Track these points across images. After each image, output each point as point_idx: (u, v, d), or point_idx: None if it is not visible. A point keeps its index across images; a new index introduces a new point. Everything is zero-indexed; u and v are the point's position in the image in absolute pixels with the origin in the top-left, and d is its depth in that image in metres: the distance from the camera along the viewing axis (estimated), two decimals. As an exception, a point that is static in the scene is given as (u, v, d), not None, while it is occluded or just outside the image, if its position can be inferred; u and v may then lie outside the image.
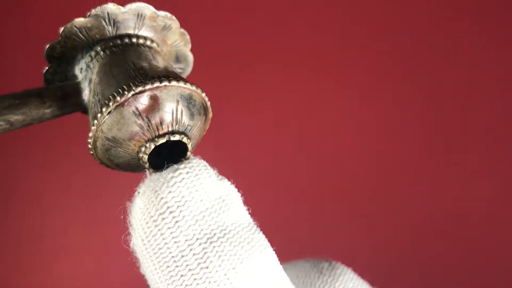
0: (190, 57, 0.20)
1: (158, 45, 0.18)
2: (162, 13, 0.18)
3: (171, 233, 0.14)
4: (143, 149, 0.16)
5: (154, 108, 0.16)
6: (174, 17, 0.18)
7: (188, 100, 0.16)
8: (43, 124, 0.40)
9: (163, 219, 0.14)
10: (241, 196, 0.15)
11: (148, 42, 0.18)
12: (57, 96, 0.17)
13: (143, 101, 0.16)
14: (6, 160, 0.39)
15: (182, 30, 0.19)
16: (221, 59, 0.41)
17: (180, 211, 0.14)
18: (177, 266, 0.14)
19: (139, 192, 0.15)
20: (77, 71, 0.18)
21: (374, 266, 0.39)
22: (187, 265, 0.14)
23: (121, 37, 0.17)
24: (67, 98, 0.17)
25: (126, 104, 0.16)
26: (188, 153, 0.16)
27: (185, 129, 0.16)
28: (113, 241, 0.39)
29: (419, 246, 0.40)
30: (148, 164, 0.16)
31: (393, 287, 0.38)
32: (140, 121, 0.16)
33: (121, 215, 0.16)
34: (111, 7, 0.17)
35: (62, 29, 0.17)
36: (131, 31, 0.17)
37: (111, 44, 0.17)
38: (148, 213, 0.14)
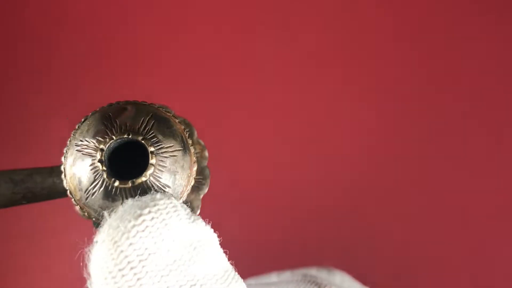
0: (207, 171, 0.19)
1: None
2: (180, 118, 0.18)
3: None
4: (101, 145, 0.15)
5: (125, 114, 0.16)
6: (191, 124, 0.18)
7: (163, 120, 0.16)
8: (42, 124, 0.40)
9: (123, 276, 0.12)
10: (218, 238, 0.14)
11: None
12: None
13: (117, 109, 0.16)
14: (5, 159, 0.39)
15: (200, 140, 0.19)
16: (221, 59, 0.40)
17: (143, 266, 0.12)
18: None
19: (97, 241, 0.13)
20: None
21: (374, 268, 0.39)
22: None
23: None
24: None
25: (101, 111, 0.16)
26: (150, 165, 0.15)
27: (151, 138, 0.15)
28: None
29: (418, 245, 0.40)
30: (103, 164, 0.15)
31: None
32: (107, 122, 0.15)
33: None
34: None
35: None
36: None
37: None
38: (107, 268, 0.12)
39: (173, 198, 0.14)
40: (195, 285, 0.13)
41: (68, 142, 0.16)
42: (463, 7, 0.41)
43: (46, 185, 0.17)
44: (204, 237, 0.13)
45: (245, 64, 0.40)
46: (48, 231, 0.39)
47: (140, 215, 0.12)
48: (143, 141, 0.15)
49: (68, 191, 0.16)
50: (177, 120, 0.16)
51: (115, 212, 0.13)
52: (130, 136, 0.15)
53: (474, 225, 0.40)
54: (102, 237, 0.13)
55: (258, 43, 0.41)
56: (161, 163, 0.15)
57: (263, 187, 0.39)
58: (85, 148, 0.15)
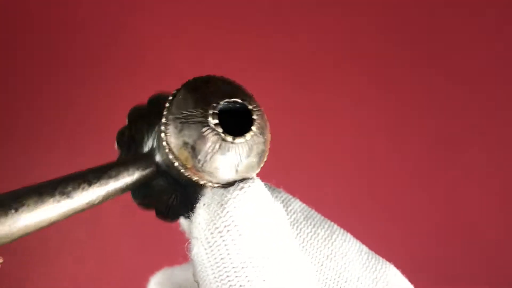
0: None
1: None
2: None
3: (235, 244, 0.14)
4: (211, 111, 0.16)
5: (213, 83, 0.17)
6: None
7: (240, 86, 0.17)
8: (45, 123, 0.40)
9: (228, 231, 0.14)
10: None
11: None
12: (131, 159, 0.18)
13: (200, 81, 0.17)
14: (6, 158, 0.39)
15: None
16: (220, 59, 0.41)
17: (244, 225, 0.14)
18: (237, 277, 0.14)
19: (204, 204, 0.15)
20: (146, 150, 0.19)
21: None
22: (246, 276, 0.14)
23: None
24: (140, 159, 0.18)
25: (188, 84, 0.17)
26: (254, 122, 0.16)
27: (245, 98, 0.16)
28: (113, 241, 0.39)
29: (417, 246, 0.40)
30: (220, 127, 0.16)
31: None
32: (204, 89, 0.16)
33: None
34: (164, 95, 0.18)
35: (127, 114, 0.19)
36: None
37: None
38: (214, 224, 0.15)
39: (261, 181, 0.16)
40: (282, 250, 0.15)
41: (164, 118, 0.16)
42: (463, 7, 0.41)
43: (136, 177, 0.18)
44: (283, 215, 0.16)
45: (245, 64, 0.41)
46: (48, 231, 0.39)
47: (243, 187, 0.15)
48: (244, 101, 0.16)
49: (177, 164, 0.16)
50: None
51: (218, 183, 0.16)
52: (231, 98, 0.16)
53: (472, 225, 0.40)
54: (208, 201, 0.15)
55: (258, 43, 0.41)
56: (257, 120, 0.16)
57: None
58: (192, 118, 0.16)
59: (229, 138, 0.16)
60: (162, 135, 0.16)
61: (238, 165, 0.16)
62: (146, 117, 0.19)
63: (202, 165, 0.16)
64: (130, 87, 0.41)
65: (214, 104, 0.16)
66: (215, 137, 0.16)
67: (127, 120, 0.19)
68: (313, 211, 0.19)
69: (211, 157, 0.16)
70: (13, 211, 0.15)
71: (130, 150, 0.19)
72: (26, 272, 0.38)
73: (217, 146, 0.16)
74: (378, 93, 0.41)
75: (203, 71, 0.38)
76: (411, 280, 0.18)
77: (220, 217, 0.14)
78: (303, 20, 0.41)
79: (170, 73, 0.41)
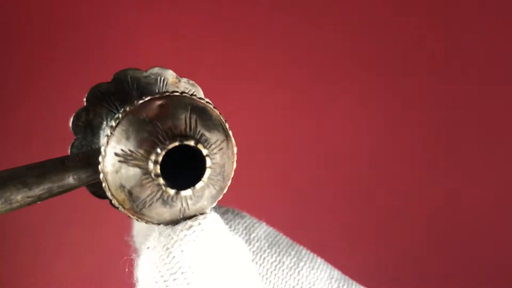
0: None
1: None
2: (184, 79, 0.17)
3: None
4: (153, 157, 0.14)
5: (164, 114, 0.14)
6: (196, 84, 0.17)
7: (202, 111, 0.15)
8: (43, 123, 0.40)
9: (174, 279, 0.13)
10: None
11: None
12: (79, 159, 0.16)
13: (153, 107, 0.14)
14: (5, 158, 0.39)
15: (208, 100, 0.18)
16: (220, 58, 0.40)
17: (192, 273, 0.13)
18: None
19: (148, 248, 0.14)
20: (102, 140, 0.16)
21: (373, 267, 0.39)
22: None
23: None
24: (90, 160, 0.16)
25: (133, 113, 0.14)
26: (207, 169, 0.14)
27: (200, 137, 0.14)
28: (113, 241, 0.39)
29: (416, 246, 0.40)
30: (161, 178, 0.14)
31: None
32: (149, 127, 0.14)
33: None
34: (133, 71, 0.17)
35: (86, 94, 0.17)
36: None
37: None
38: (158, 272, 0.13)
39: (217, 214, 0.14)
40: None
41: (102, 150, 0.15)
42: (463, 7, 0.41)
43: (65, 184, 0.16)
44: (242, 253, 0.14)
45: (243, 64, 0.41)
46: (48, 231, 0.39)
47: (191, 226, 0.13)
48: (197, 146, 0.14)
49: (114, 201, 0.15)
50: (211, 106, 0.15)
51: (164, 224, 0.14)
52: (183, 143, 0.14)
53: (475, 225, 0.40)
54: (154, 243, 0.14)
55: (258, 43, 0.41)
56: (213, 161, 0.15)
57: (263, 187, 0.39)
58: (132, 160, 0.14)
59: (172, 192, 0.14)
60: (100, 166, 0.15)
61: (184, 212, 0.14)
62: (107, 99, 0.17)
63: (141, 210, 0.15)
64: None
65: (158, 150, 0.14)
66: (156, 188, 0.14)
67: (84, 101, 0.17)
68: (280, 235, 0.17)
69: (149, 205, 0.14)
70: None
71: (86, 137, 0.17)
72: (27, 271, 0.38)
73: (158, 196, 0.14)
74: (377, 93, 0.41)
75: (202, 71, 0.38)
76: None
77: (166, 264, 0.13)
78: (301, 19, 0.41)
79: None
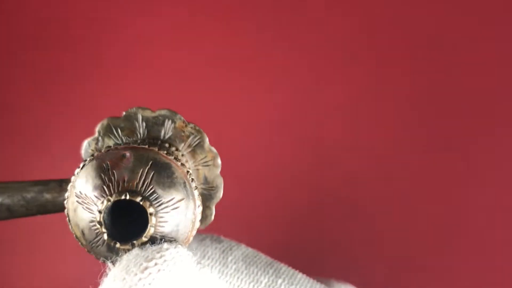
0: (220, 180, 0.18)
1: (182, 156, 0.18)
2: (191, 124, 0.18)
3: None
4: (99, 205, 0.15)
5: (123, 165, 0.15)
6: (202, 131, 0.18)
7: (164, 168, 0.15)
8: (45, 125, 0.40)
9: None
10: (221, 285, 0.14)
11: (173, 149, 0.18)
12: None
13: (115, 157, 0.15)
14: (6, 159, 0.39)
15: (212, 148, 0.18)
16: (219, 59, 0.40)
17: None
18: None
19: None
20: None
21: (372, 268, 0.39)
22: None
23: (150, 141, 0.17)
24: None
25: (99, 158, 0.15)
26: (149, 227, 0.15)
27: (150, 195, 0.15)
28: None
29: (416, 246, 0.40)
30: (103, 226, 0.15)
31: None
32: (105, 176, 0.15)
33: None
34: (143, 110, 0.18)
35: (98, 126, 0.18)
36: (160, 137, 0.18)
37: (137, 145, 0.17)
38: None
39: (179, 246, 0.13)
40: None
41: (69, 187, 0.16)
42: (463, 7, 0.41)
43: (58, 203, 0.18)
44: (208, 285, 0.13)
45: (241, 62, 0.41)
46: (48, 231, 0.39)
47: (146, 267, 0.12)
48: (141, 202, 0.15)
49: (74, 235, 0.16)
50: (179, 163, 0.16)
51: (120, 261, 0.13)
52: (127, 198, 0.15)
53: (475, 224, 0.40)
54: (110, 285, 0.12)
55: (256, 42, 0.41)
56: (162, 220, 0.15)
57: (262, 185, 0.39)
58: (85, 203, 0.15)
59: (112, 243, 0.15)
60: (65, 201, 0.16)
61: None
62: (115, 133, 0.18)
63: (92, 249, 0.16)
64: (129, 86, 0.41)
65: (104, 201, 0.15)
66: (100, 234, 0.15)
67: (96, 131, 0.18)
68: (259, 255, 0.17)
69: (97, 248, 0.15)
70: None
71: None
72: (26, 272, 0.38)
73: (103, 242, 0.15)
74: (377, 92, 0.41)
75: (202, 70, 0.37)
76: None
77: None
78: (302, 19, 0.41)
79: (166, 71, 0.41)
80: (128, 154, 0.15)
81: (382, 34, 0.41)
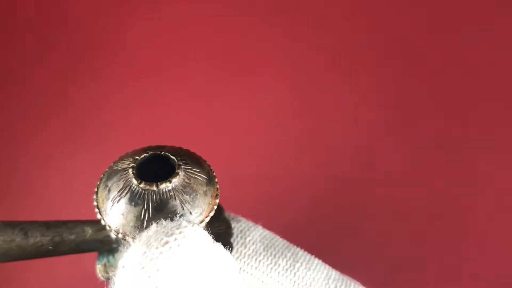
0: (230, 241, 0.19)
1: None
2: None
3: None
4: (135, 157, 0.16)
5: (166, 149, 0.17)
6: (221, 206, 0.19)
7: (194, 156, 0.17)
8: (47, 124, 0.40)
9: None
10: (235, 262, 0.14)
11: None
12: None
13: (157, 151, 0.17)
14: (8, 159, 0.39)
15: (228, 219, 0.19)
16: (218, 58, 0.40)
17: None
18: None
19: (123, 267, 0.13)
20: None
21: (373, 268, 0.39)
22: None
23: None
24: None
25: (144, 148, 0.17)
26: (175, 172, 0.15)
27: (181, 158, 0.16)
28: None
29: (417, 243, 0.40)
30: (132, 170, 0.15)
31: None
32: (146, 148, 0.17)
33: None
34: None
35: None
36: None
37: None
38: None
39: (196, 225, 0.13)
40: None
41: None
42: (462, 6, 0.41)
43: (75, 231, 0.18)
44: (225, 264, 0.13)
45: (240, 61, 0.41)
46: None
47: (167, 242, 0.13)
48: (173, 156, 0.16)
49: (96, 205, 0.16)
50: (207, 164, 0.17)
51: (139, 237, 0.13)
52: (162, 153, 0.16)
53: (475, 224, 0.40)
54: (129, 262, 0.13)
55: (255, 41, 0.41)
56: (185, 179, 0.15)
57: (261, 185, 0.40)
58: (120, 165, 0.16)
59: (141, 183, 0.15)
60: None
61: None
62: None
63: (111, 208, 0.15)
64: (130, 85, 0.41)
65: (141, 153, 0.16)
66: (128, 180, 0.15)
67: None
68: (276, 238, 0.17)
69: (118, 201, 0.15)
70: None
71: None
72: (24, 274, 0.38)
73: (127, 190, 0.15)
74: (376, 91, 0.41)
75: (201, 70, 0.37)
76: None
77: (141, 284, 0.12)
78: (301, 17, 0.41)
79: (164, 73, 0.41)
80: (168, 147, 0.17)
81: (383, 34, 0.41)
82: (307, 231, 0.40)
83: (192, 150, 0.17)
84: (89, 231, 0.17)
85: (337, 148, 0.40)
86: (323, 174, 0.40)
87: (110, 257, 0.18)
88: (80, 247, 0.18)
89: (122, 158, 0.16)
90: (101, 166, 0.18)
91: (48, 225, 0.17)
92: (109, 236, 0.18)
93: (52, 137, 0.40)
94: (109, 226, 0.15)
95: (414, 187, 0.40)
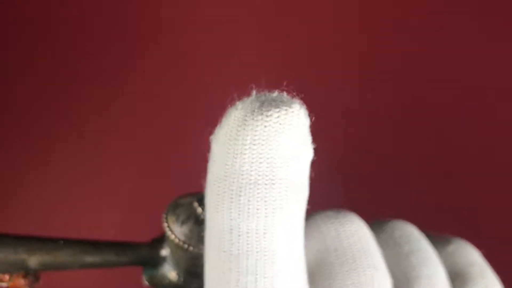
0: None
1: None
2: None
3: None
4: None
5: None
6: None
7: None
8: (45, 125, 0.40)
9: (253, 149, 0.13)
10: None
11: None
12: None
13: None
14: (8, 159, 0.39)
15: None
16: (218, 58, 0.40)
17: (270, 149, 0.13)
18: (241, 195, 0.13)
19: (236, 108, 0.13)
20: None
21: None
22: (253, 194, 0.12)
23: None
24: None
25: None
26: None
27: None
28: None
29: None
30: (200, 205, 0.20)
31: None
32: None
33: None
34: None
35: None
36: None
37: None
38: (236, 142, 0.13)
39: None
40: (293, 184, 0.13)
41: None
42: (462, 6, 0.41)
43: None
44: (309, 145, 0.14)
45: (239, 60, 0.41)
46: (48, 231, 0.39)
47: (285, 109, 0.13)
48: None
49: (167, 226, 0.20)
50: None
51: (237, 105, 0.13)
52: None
53: (476, 224, 0.40)
54: (235, 115, 0.13)
55: (254, 41, 0.41)
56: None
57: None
58: (183, 200, 0.21)
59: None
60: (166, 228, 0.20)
61: None
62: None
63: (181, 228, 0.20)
64: (132, 85, 0.41)
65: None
66: (193, 210, 0.20)
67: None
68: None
69: (187, 223, 0.20)
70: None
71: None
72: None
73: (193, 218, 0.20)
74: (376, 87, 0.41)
75: (201, 70, 0.37)
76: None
77: (247, 134, 0.13)
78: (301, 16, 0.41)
79: (164, 72, 0.41)
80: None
81: (382, 34, 0.41)
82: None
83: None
84: (145, 253, 0.22)
85: (337, 148, 0.40)
86: (323, 174, 0.40)
87: (154, 270, 0.22)
88: (137, 262, 0.22)
89: (181, 197, 0.20)
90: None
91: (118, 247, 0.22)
92: (153, 256, 0.22)
93: (52, 137, 0.40)
94: (179, 239, 0.19)
95: (414, 186, 0.40)
